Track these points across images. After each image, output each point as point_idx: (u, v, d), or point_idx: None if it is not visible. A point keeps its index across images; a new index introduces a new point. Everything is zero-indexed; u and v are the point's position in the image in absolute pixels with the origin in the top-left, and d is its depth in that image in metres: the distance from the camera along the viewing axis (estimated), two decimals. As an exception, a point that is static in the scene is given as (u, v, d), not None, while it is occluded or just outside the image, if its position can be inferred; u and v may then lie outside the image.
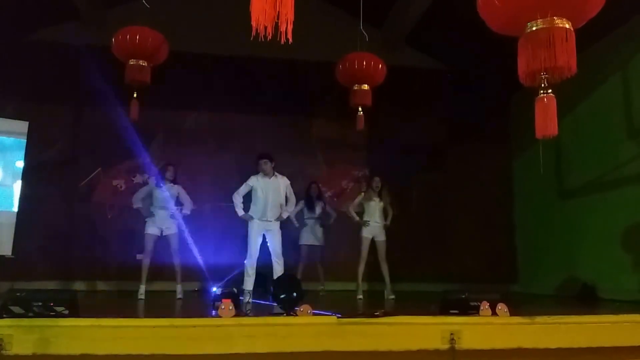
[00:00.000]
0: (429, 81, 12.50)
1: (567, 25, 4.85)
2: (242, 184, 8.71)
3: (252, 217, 8.53)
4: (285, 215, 8.81)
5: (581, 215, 10.37)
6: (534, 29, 4.89)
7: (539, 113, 5.27)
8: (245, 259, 8.52)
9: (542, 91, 5.21)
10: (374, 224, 9.64)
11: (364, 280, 9.73)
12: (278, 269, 8.36)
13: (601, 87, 9.90)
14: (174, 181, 9.39)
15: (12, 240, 9.76)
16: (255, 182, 8.61)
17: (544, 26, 4.83)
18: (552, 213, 11.24)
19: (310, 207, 10.53)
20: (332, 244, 11.07)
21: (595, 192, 10.01)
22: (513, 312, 5.80)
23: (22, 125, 10.08)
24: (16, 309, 5.12)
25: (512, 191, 12.79)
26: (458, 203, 12.36)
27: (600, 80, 9.83)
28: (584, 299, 9.35)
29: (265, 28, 3.56)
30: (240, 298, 7.12)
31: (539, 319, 5.69)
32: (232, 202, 8.65)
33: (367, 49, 8.46)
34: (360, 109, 8.59)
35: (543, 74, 5.05)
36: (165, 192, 9.22)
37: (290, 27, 3.58)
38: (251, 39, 3.60)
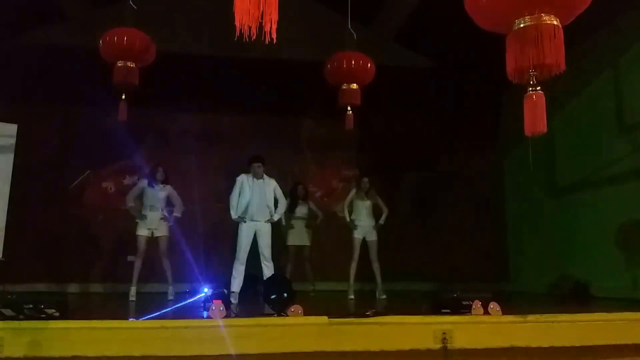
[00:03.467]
0: (418, 79, 12.49)
1: (555, 22, 4.83)
2: (231, 184, 8.71)
3: (244, 220, 8.54)
4: (276, 218, 8.81)
5: (573, 213, 10.36)
6: (521, 26, 4.86)
7: (528, 110, 5.26)
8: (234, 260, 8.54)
9: (530, 88, 5.21)
10: (363, 224, 9.66)
11: (355, 280, 9.71)
12: (267, 272, 8.36)
13: (591, 84, 9.91)
14: (165, 182, 9.36)
15: (2, 243, 9.72)
16: (245, 180, 8.63)
17: (532, 23, 4.81)
18: (544, 211, 11.25)
19: (294, 207, 10.49)
20: (321, 244, 11.08)
21: (587, 189, 10.01)
22: (505, 310, 5.83)
23: (11, 128, 10.03)
24: (7, 312, 5.16)
25: (503, 189, 12.79)
26: (448, 201, 12.37)
27: (591, 76, 9.84)
28: (576, 297, 9.34)
29: (250, 28, 3.53)
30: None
31: (531, 317, 5.71)
32: (226, 203, 8.67)
33: (356, 47, 8.42)
34: (349, 108, 8.55)
35: (532, 71, 5.04)
36: (157, 193, 9.21)
37: (274, 27, 3.55)
38: (235, 39, 3.57)
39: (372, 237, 9.71)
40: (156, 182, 9.26)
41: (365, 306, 6.86)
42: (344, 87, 8.38)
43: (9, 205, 9.89)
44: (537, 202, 11.48)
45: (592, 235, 9.75)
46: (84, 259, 11.09)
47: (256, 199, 8.56)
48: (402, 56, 12.21)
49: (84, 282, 11.00)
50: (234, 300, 7.98)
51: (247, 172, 8.73)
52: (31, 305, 5.16)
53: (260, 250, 8.52)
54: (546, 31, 4.80)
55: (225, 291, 6.56)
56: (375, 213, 9.82)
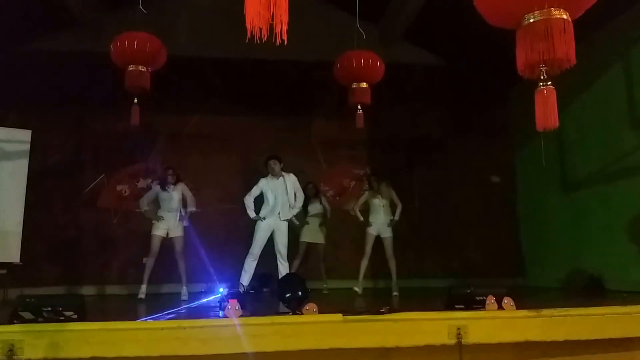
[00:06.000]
0: (427, 76, 12.50)
1: (564, 16, 4.82)
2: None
3: (263, 218, 8.59)
4: (295, 212, 8.87)
5: (586, 207, 10.32)
6: (531, 21, 4.86)
7: (539, 105, 5.26)
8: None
9: (541, 83, 5.21)
10: (379, 222, 9.65)
11: (368, 277, 9.72)
12: (282, 271, 8.41)
13: (602, 77, 9.84)
14: (177, 181, 9.41)
15: (19, 247, 9.80)
16: (266, 184, 8.72)
17: (542, 18, 4.80)
18: (556, 205, 11.21)
19: (307, 205, 10.52)
20: (336, 242, 11.11)
21: (599, 183, 9.95)
22: (519, 305, 5.81)
23: (25, 134, 10.13)
24: (26, 315, 5.18)
25: (515, 184, 12.74)
26: (461, 198, 12.32)
27: (601, 70, 9.78)
28: (590, 291, 9.30)
29: (260, 30, 3.56)
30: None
31: (545, 311, 5.70)
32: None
33: (365, 46, 8.43)
34: (359, 106, 8.57)
35: (542, 66, 5.03)
36: (170, 195, 9.26)
37: (285, 29, 3.58)
38: (246, 41, 3.60)
39: (387, 234, 9.70)
40: (168, 185, 9.31)
41: (379, 303, 6.89)
42: (354, 86, 8.40)
43: (25, 210, 9.98)
44: (549, 197, 11.44)
45: (605, 228, 9.70)
46: (100, 261, 11.15)
47: (280, 198, 8.66)
48: (411, 54, 12.24)
49: (101, 284, 11.07)
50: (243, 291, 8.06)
51: (265, 175, 8.80)
52: (50, 308, 5.19)
53: (276, 248, 8.59)
54: (556, 25, 4.80)
55: (241, 290, 6.58)
56: (392, 210, 9.82)
